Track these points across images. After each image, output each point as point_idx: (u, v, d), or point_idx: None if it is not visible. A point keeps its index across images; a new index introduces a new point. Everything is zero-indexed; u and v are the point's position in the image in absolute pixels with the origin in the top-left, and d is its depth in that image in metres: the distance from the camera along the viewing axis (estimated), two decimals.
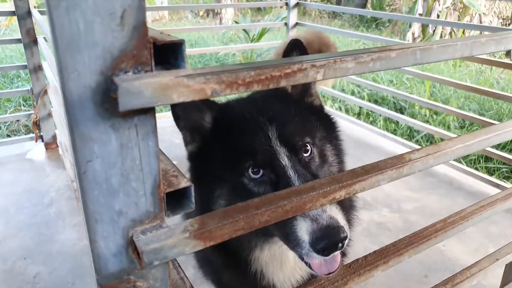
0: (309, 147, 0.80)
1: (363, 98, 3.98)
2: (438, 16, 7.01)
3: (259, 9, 9.94)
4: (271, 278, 0.87)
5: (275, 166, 0.75)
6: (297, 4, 3.11)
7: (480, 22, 7.07)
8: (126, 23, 0.31)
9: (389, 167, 0.52)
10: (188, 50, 4.00)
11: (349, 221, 0.88)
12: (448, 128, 3.50)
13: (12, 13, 2.26)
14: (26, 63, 2.33)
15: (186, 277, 0.48)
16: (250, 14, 9.04)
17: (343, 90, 4.28)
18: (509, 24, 7.91)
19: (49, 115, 2.48)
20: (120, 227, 0.36)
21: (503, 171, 2.93)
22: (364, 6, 9.65)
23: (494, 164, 2.97)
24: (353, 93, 4.24)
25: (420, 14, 7.00)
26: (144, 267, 0.37)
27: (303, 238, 0.65)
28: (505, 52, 6.12)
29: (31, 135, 2.58)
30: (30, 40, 2.28)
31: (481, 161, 3.01)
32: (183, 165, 0.92)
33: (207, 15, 9.92)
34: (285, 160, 0.75)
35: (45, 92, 2.40)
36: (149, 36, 0.33)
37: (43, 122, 2.48)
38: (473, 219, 0.73)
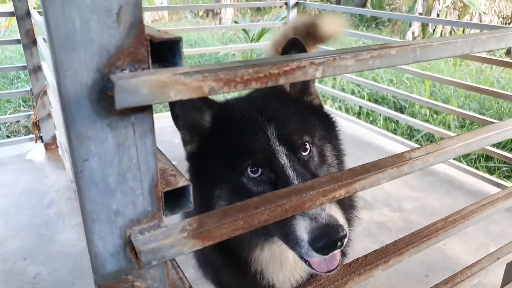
0: (308, 146, 0.80)
1: (363, 98, 3.98)
2: (438, 15, 7.01)
3: (258, 9, 9.94)
4: (270, 278, 0.87)
5: (274, 165, 0.75)
6: (296, 4, 3.11)
7: (480, 21, 7.06)
8: (123, 20, 0.31)
9: (389, 165, 0.51)
10: (188, 50, 4.00)
11: (348, 220, 0.88)
12: (449, 128, 3.50)
13: (12, 14, 2.26)
14: (25, 64, 2.33)
15: (185, 277, 0.47)
16: (249, 14, 9.04)
17: (343, 90, 4.28)
18: (509, 23, 7.90)
19: (49, 115, 2.48)
20: (118, 227, 0.36)
21: (503, 170, 2.92)
22: (363, 5, 9.64)
23: (495, 163, 2.97)
24: (353, 93, 4.23)
25: (420, 13, 6.99)
26: (142, 267, 0.37)
27: (302, 237, 0.65)
28: (505, 51, 6.12)
29: (31, 135, 2.57)
30: (29, 41, 2.27)
31: (481, 160, 3.00)
32: (183, 165, 0.91)
33: (207, 15, 9.92)
34: (284, 159, 0.75)
35: (45, 92, 2.39)
36: (146, 34, 0.32)
37: (43, 122, 2.48)
38: (474, 218, 0.72)
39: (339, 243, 0.64)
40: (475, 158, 3.03)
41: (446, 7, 7.20)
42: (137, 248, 0.35)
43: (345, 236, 0.64)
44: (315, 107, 0.93)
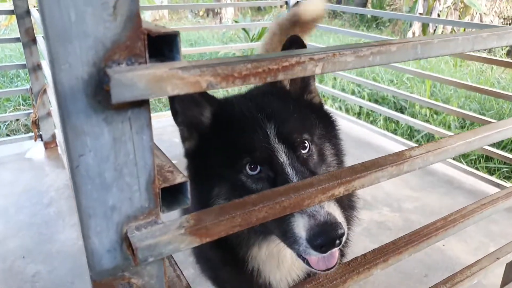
0: (307, 144, 0.80)
1: (363, 98, 3.97)
2: (438, 15, 7.00)
3: (259, 9, 9.93)
4: (267, 276, 0.87)
5: (273, 163, 0.75)
6: (297, 3, 3.11)
7: (481, 22, 7.05)
8: (119, 13, 0.30)
9: (389, 163, 0.51)
10: (188, 49, 3.99)
11: (348, 220, 0.87)
12: (449, 128, 3.50)
13: (11, 12, 2.26)
14: (25, 63, 2.33)
15: (183, 274, 0.47)
16: (250, 14, 9.03)
17: (343, 90, 4.27)
18: (510, 24, 7.89)
19: (48, 114, 2.47)
20: (114, 223, 0.36)
21: (503, 171, 2.92)
22: (364, 6, 9.64)
23: (495, 164, 2.96)
24: (353, 93, 4.23)
25: (420, 14, 6.99)
26: (139, 264, 0.36)
27: (300, 234, 0.65)
28: (505, 52, 6.11)
29: (30, 134, 2.57)
30: (29, 39, 2.27)
31: (481, 161, 3.00)
32: (183, 164, 0.91)
33: (207, 15, 9.92)
34: (283, 157, 0.74)
35: (44, 91, 2.39)
36: (143, 28, 0.32)
37: (42, 121, 2.47)
38: (474, 218, 0.72)
39: (337, 241, 0.63)
40: (475, 158, 3.02)
41: (447, 7, 7.20)
42: (134, 245, 0.35)
43: (343, 234, 0.63)
44: (315, 105, 0.92)
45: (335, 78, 4.47)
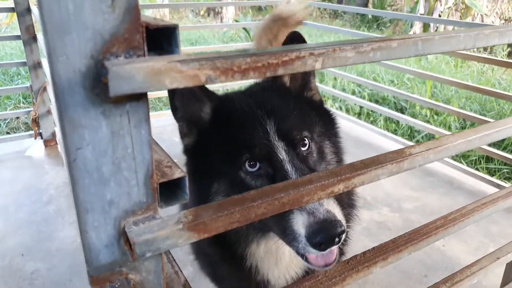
0: (307, 142, 0.80)
1: (363, 98, 3.97)
2: (439, 16, 6.99)
3: (259, 9, 9.93)
4: (266, 273, 0.87)
5: (273, 160, 0.75)
6: None
7: (482, 23, 7.04)
8: (118, 5, 0.30)
9: (389, 161, 0.51)
10: (188, 49, 3.99)
11: (347, 218, 0.87)
12: (449, 129, 3.49)
13: (12, 10, 2.25)
14: (25, 60, 2.33)
15: (181, 271, 0.47)
16: (251, 14, 9.03)
17: (343, 90, 4.27)
18: None
19: (48, 112, 2.47)
20: (112, 218, 0.35)
21: (504, 172, 2.91)
22: (365, 6, 9.63)
23: (495, 165, 2.96)
24: (353, 93, 4.22)
25: (421, 14, 6.98)
26: (136, 259, 0.36)
27: (299, 231, 0.65)
28: (506, 54, 6.10)
29: (30, 132, 2.57)
30: (29, 37, 2.27)
31: (481, 162, 2.99)
32: (183, 163, 0.91)
33: (208, 14, 9.92)
34: (282, 154, 0.74)
35: (45, 89, 2.39)
36: (141, 20, 0.32)
37: (42, 119, 2.47)
38: (474, 217, 0.72)
39: (336, 239, 0.63)
40: (476, 159, 3.02)
41: (448, 8, 7.19)
42: (131, 240, 0.35)
43: (343, 231, 0.63)
44: (315, 102, 0.92)
45: (335, 78, 4.47)
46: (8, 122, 3.55)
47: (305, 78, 0.90)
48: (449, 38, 0.48)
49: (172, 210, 0.47)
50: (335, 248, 0.68)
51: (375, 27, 8.45)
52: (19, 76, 4.40)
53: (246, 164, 0.76)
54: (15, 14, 2.23)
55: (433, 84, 4.18)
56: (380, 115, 3.59)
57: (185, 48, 3.88)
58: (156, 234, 0.36)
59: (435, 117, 3.66)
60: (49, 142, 2.54)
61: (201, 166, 0.83)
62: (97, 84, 0.31)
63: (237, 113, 0.81)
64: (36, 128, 2.48)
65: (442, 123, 3.58)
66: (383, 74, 4.62)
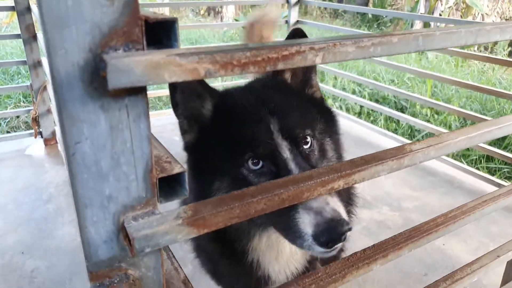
0: (309, 140, 0.80)
1: (364, 97, 3.97)
2: (440, 15, 6.99)
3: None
4: (266, 268, 0.87)
5: (276, 158, 0.74)
6: (297, 2, 3.10)
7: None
8: None
9: (390, 157, 0.51)
10: (188, 48, 3.97)
11: (348, 215, 0.87)
12: (450, 128, 3.49)
13: (12, 9, 2.25)
14: (25, 59, 2.32)
15: (181, 267, 0.47)
16: (251, 13, 9.02)
17: (344, 89, 4.27)
18: None
19: (48, 111, 2.47)
20: (111, 213, 0.35)
21: (504, 171, 2.91)
22: (365, 6, 9.62)
23: (496, 164, 2.95)
24: (354, 92, 4.22)
25: (422, 14, 6.97)
26: (136, 255, 0.36)
27: (306, 230, 0.65)
28: (507, 53, 6.10)
29: (30, 131, 2.57)
30: (29, 36, 2.27)
31: (482, 161, 2.99)
32: (183, 161, 0.90)
33: (208, 14, 9.91)
34: (286, 153, 0.74)
35: (45, 88, 2.39)
36: (141, 14, 0.32)
37: (42, 118, 2.47)
38: (475, 214, 0.71)
39: (343, 237, 0.64)
40: (476, 158, 3.01)
41: (449, 8, 7.19)
42: (131, 235, 0.34)
43: (350, 229, 0.64)
44: (316, 100, 0.92)
45: (335, 78, 4.47)
46: (9, 121, 3.56)
47: (306, 75, 0.90)
48: (450, 33, 0.47)
49: (172, 206, 0.47)
50: (340, 245, 0.69)
51: (376, 26, 8.44)
52: (19, 75, 4.40)
53: (249, 162, 0.75)
54: (15, 13, 2.23)
55: (434, 83, 4.17)
56: (381, 114, 3.59)
57: (185, 47, 3.87)
58: (156, 229, 0.35)
59: (436, 116, 3.66)
60: (49, 141, 2.54)
61: (202, 163, 0.82)
62: (95, 78, 0.31)
63: (239, 110, 0.80)
64: (36, 127, 2.48)
65: (442, 123, 3.58)
66: (384, 73, 4.62)
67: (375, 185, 2.14)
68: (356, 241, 1.68)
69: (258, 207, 0.41)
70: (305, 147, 0.79)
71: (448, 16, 7.06)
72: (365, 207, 1.95)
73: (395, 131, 3.43)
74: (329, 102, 3.94)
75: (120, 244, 0.37)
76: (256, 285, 0.90)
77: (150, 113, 0.35)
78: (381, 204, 2.00)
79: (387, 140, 2.71)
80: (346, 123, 2.92)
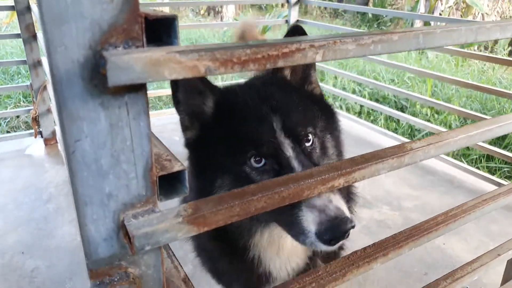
0: (311, 137, 0.80)
1: (364, 97, 3.97)
2: (440, 15, 6.98)
3: (260, 8, 9.93)
4: (268, 264, 0.87)
5: (279, 156, 0.75)
6: (298, 2, 3.09)
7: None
8: None
9: (390, 155, 0.51)
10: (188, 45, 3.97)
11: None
12: (450, 128, 3.49)
13: (12, 8, 2.25)
14: (25, 59, 2.32)
15: (181, 266, 0.46)
16: (251, 13, 9.03)
17: (344, 89, 4.27)
18: None
19: (48, 111, 2.47)
20: (111, 211, 0.35)
21: (504, 170, 2.91)
22: (365, 5, 9.62)
23: (496, 163, 2.95)
24: (354, 92, 4.22)
25: (422, 13, 6.97)
26: (136, 253, 0.36)
27: (309, 228, 0.65)
28: (507, 53, 6.10)
29: (31, 131, 2.57)
30: (29, 35, 2.27)
31: (482, 161, 2.99)
32: (183, 161, 0.90)
33: (208, 14, 9.91)
34: (289, 151, 0.74)
35: (45, 87, 2.39)
36: (140, 11, 0.32)
37: (42, 118, 2.47)
38: (475, 213, 0.71)
39: (346, 234, 0.64)
40: (476, 158, 3.01)
41: (449, 7, 7.18)
42: (131, 233, 0.34)
43: (353, 227, 0.64)
44: (316, 96, 0.91)
45: (336, 77, 4.46)
46: (9, 121, 3.55)
47: (306, 71, 0.90)
48: (451, 31, 0.47)
49: (172, 204, 0.47)
50: (343, 242, 0.69)
51: (376, 26, 8.43)
52: (19, 75, 4.40)
53: (252, 160, 0.75)
54: (15, 13, 2.23)
55: (434, 83, 4.17)
56: (381, 114, 3.59)
57: (185, 45, 3.87)
58: (156, 227, 0.35)
59: (436, 116, 3.65)
60: (49, 141, 2.54)
61: (204, 161, 0.82)
62: (95, 75, 0.31)
63: (241, 107, 0.80)
64: (36, 126, 2.48)
65: (442, 122, 3.58)
66: (384, 73, 4.61)
67: (375, 185, 2.14)
68: (356, 240, 1.68)
69: (258, 205, 0.41)
70: (307, 144, 0.79)
71: (448, 15, 7.05)
72: (365, 207, 1.95)
73: (395, 130, 3.43)
74: (329, 101, 3.93)
75: (120, 242, 0.37)
76: (257, 282, 0.90)
77: (150, 113, 0.35)
78: (381, 204, 2.00)
79: (387, 140, 2.71)
80: (346, 122, 2.91)
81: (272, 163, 0.75)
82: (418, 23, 6.91)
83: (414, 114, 3.69)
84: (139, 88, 0.33)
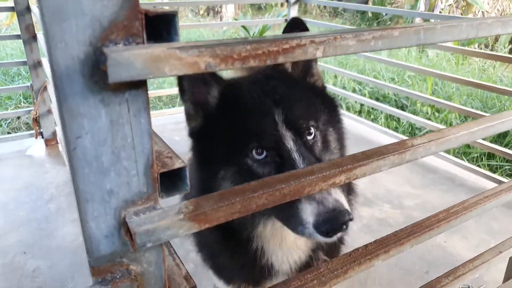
0: (312, 131, 0.80)
1: (364, 96, 3.96)
2: (440, 13, 6.97)
3: (259, 8, 9.92)
4: (270, 256, 0.87)
5: (280, 149, 0.75)
6: (297, 1, 3.09)
7: None
8: None
9: (391, 152, 0.50)
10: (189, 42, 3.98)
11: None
12: (450, 126, 3.48)
13: (11, 9, 2.25)
14: (25, 60, 2.33)
15: (182, 263, 0.46)
16: (250, 13, 9.03)
17: (344, 88, 4.26)
18: None
19: (49, 111, 2.47)
20: (112, 208, 0.35)
21: (505, 168, 2.90)
22: (365, 4, 9.61)
23: (497, 161, 2.95)
24: (354, 91, 4.21)
25: (422, 11, 6.96)
26: (137, 250, 0.36)
27: (308, 219, 0.65)
28: (508, 51, 6.08)
29: (31, 131, 2.57)
30: (29, 36, 2.27)
31: (483, 159, 2.98)
32: (184, 161, 0.90)
33: (208, 14, 9.91)
34: (290, 143, 0.74)
35: (45, 88, 2.39)
36: (141, 7, 0.32)
37: (43, 118, 2.47)
38: (477, 210, 0.71)
39: (344, 226, 0.64)
40: (477, 156, 3.01)
41: (449, 5, 7.17)
42: (132, 230, 0.34)
43: (351, 219, 0.64)
44: (318, 89, 0.91)
45: (336, 76, 4.46)
46: (9, 122, 3.56)
47: (307, 64, 0.89)
48: (451, 27, 0.47)
49: (174, 201, 0.46)
50: (341, 234, 0.69)
51: (375, 25, 8.43)
52: (20, 77, 4.41)
53: (253, 152, 0.76)
54: (15, 15, 2.23)
55: (434, 81, 4.17)
56: (381, 112, 3.58)
57: (185, 41, 3.87)
58: (157, 224, 0.35)
59: (436, 114, 3.65)
60: (49, 142, 2.54)
61: (207, 151, 0.82)
62: (96, 72, 0.31)
63: (245, 99, 0.80)
64: (37, 127, 2.48)
65: (443, 120, 3.58)
66: (384, 71, 4.61)
67: (376, 183, 2.14)
68: (356, 239, 1.68)
69: (259, 202, 0.41)
70: (309, 138, 0.79)
71: (449, 13, 7.04)
72: (365, 205, 1.95)
73: (395, 129, 3.43)
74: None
75: (122, 239, 0.37)
76: (259, 276, 0.90)
77: (150, 113, 0.35)
78: (382, 202, 2.00)
79: (388, 138, 2.71)
80: (347, 121, 2.89)
81: (274, 155, 0.76)
82: (418, 22, 6.90)
83: (414, 113, 3.69)
84: (140, 85, 0.33)
